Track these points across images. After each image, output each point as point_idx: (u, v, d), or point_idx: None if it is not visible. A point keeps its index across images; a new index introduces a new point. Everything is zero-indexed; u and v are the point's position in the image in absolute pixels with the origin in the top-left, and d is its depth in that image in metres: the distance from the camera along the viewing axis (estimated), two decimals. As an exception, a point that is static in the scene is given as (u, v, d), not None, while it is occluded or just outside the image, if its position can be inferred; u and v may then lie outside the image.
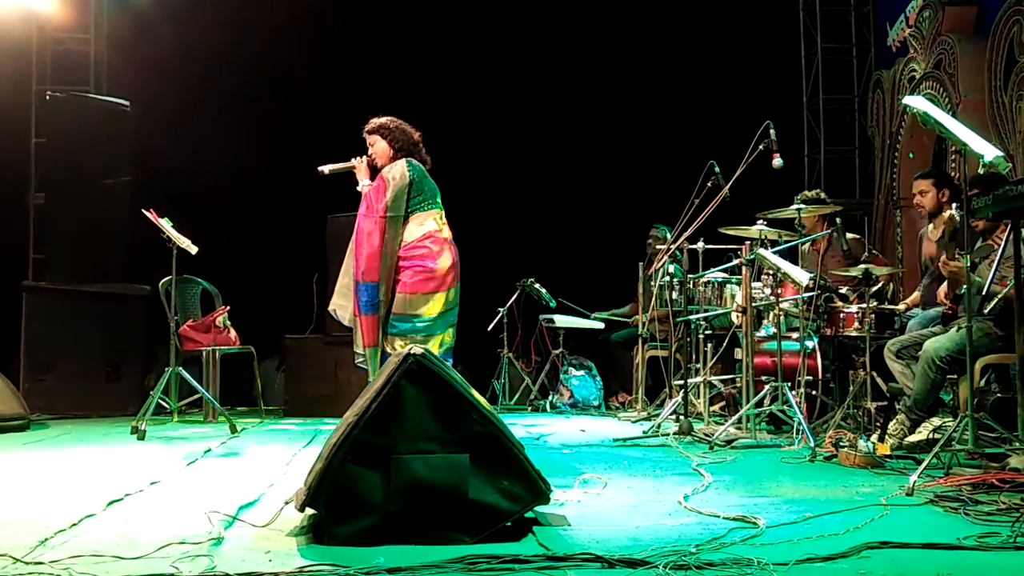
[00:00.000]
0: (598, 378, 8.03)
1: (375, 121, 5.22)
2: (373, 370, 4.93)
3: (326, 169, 5.26)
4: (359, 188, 5.18)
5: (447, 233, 5.11)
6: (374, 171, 5.20)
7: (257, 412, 7.01)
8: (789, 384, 5.32)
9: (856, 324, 5.34)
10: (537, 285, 8.19)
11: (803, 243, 5.91)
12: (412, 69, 8.45)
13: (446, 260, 5.03)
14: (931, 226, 5.57)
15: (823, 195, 6.40)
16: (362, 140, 5.24)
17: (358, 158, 5.22)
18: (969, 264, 4.15)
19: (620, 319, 8.34)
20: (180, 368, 6.00)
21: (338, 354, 6.71)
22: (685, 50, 8.82)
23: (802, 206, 5.66)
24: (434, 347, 4.82)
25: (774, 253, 5.48)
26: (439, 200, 5.14)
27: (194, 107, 8.10)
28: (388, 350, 4.89)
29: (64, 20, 8.37)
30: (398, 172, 5.04)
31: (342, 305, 5.15)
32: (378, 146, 5.18)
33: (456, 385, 2.89)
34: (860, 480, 3.92)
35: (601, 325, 8.37)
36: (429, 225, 5.03)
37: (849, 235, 6.31)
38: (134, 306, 7.33)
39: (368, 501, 2.76)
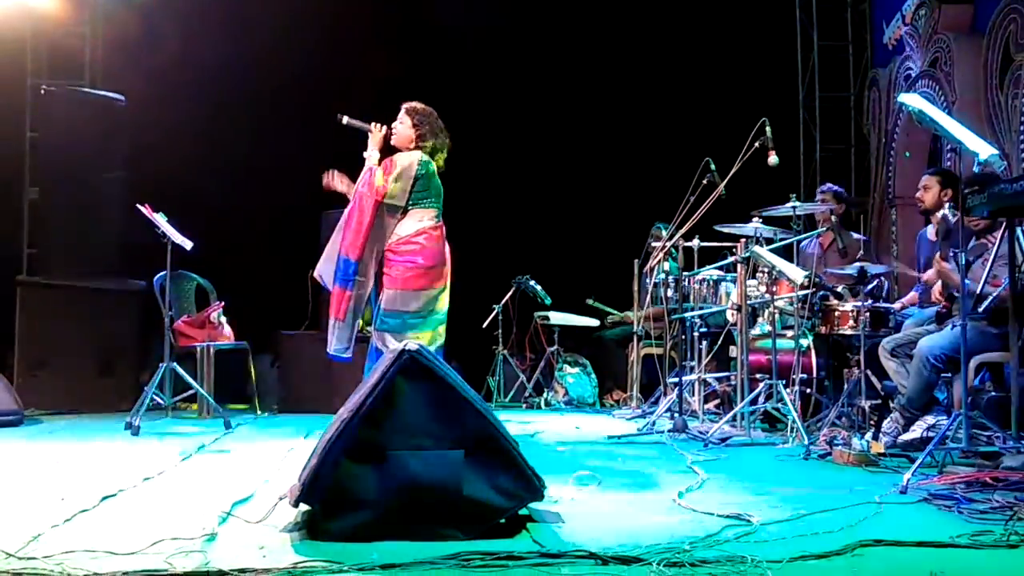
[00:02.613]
0: (593, 375, 8.02)
1: (416, 104, 5.07)
2: (335, 341, 4.89)
3: (344, 119, 5.12)
4: (365, 154, 5.05)
5: (441, 231, 5.05)
6: (387, 147, 5.08)
7: (251, 408, 7.00)
8: (784, 382, 5.32)
9: (851, 322, 5.34)
10: (532, 282, 8.18)
11: (802, 239, 5.92)
12: (410, 66, 8.41)
13: (438, 257, 4.97)
14: (931, 227, 5.59)
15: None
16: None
17: (378, 125, 5.07)
18: (963, 263, 4.16)
19: (614, 316, 8.32)
20: (174, 364, 5.99)
21: (333, 350, 6.68)
22: (682, 47, 8.81)
23: (797, 204, 5.67)
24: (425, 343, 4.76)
25: (770, 250, 5.49)
26: (440, 203, 5.06)
27: (189, 102, 8.07)
28: (380, 347, 4.86)
29: (59, 14, 8.32)
30: (407, 162, 4.95)
31: (327, 270, 5.06)
32: (403, 127, 5.03)
33: (451, 382, 2.89)
34: (854, 478, 3.93)
35: (596, 322, 8.37)
36: (425, 222, 4.97)
37: (856, 235, 6.33)
38: (128, 301, 7.31)
39: (362, 497, 2.75)
